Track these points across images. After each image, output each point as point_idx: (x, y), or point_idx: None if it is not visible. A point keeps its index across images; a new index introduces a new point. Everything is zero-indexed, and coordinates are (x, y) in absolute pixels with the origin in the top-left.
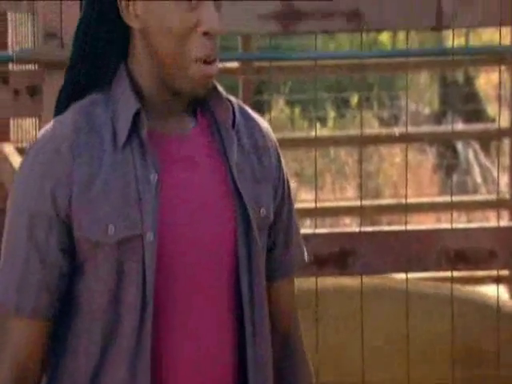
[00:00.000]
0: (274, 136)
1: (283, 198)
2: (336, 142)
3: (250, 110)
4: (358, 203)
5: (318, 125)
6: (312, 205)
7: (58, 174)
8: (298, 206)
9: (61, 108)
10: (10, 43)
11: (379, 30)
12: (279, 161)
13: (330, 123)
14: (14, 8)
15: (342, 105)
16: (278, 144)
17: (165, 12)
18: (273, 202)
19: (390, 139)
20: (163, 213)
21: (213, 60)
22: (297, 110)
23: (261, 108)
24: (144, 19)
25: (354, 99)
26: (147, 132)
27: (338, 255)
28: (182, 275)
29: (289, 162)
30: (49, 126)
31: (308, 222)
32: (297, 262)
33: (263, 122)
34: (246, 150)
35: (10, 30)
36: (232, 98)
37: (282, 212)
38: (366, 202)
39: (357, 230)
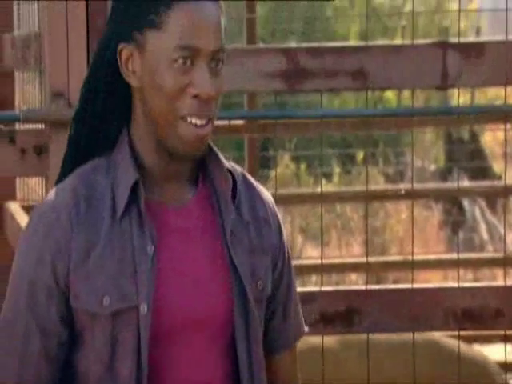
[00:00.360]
0: (276, 209)
1: (283, 270)
2: (342, 197)
3: (253, 181)
4: (364, 260)
5: (324, 181)
6: (318, 261)
7: (58, 242)
8: (303, 262)
9: (65, 171)
10: (16, 102)
11: (384, 89)
12: (281, 233)
13: (336, 179)
14: (22, 67)
15: (347, 161)
16: (280, 217)
17: (158, 71)
18: (271, 275)
19: (396, 195)
20: (158, 285)
21: (206, 122)
22: (302, 166)
23: (266, 164)
24: (140, 76)
25: (360, 155)
26: (145, 201)
27: (345, 313)
28: (177, 346)
29: (295, 218)
30: (52, 192)
31: (314, 278)
32: (296, 333)
33: (267, 194)
34: (245, 220)
35: (16, 89)
36: (236, 168)
37: (281, 284)
38: (372, 259)
39: (363, 287)
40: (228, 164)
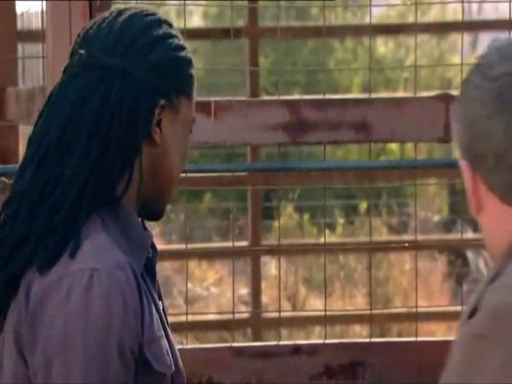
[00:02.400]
0: None
1: None
2: (345, 248)
3: None
4: (367, 311)
5: (327, 231)
6: (321, 313)
7: (135, 304)
8: (307, 313)
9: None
10: (20, 155)
11: (387, 142)
12: None
13: (339, 230)
14: (26, 120)
15: (350, 212)
16: None
17: (182, 137)
18: None
19: (400, 247)
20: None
21: None
22: (306, 217)
23: (270, 215)
24: (164, 136)
25: (363, 206)
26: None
27: (348, 366)
28: None
29: (298, 269)
30: (94, 248)
31: (317, 329)
32: None
33: None
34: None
35: (21, 142)
36: None
37: None
38: (376, 311)
39: (367, 340)
40: None
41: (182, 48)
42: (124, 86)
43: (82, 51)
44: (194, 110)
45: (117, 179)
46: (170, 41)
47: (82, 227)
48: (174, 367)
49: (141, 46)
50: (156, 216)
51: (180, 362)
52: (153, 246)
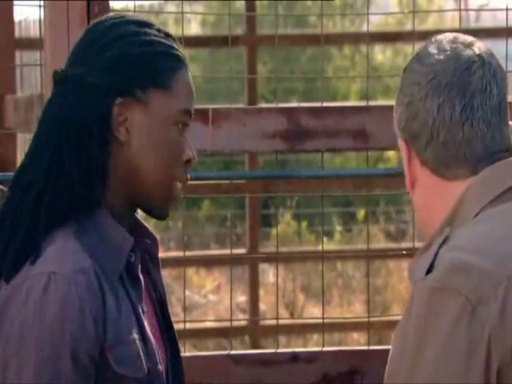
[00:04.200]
0: None
1: None
2: (343, 256)
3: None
4: (365, 319)
5: (325, 239)
6: (319, 320)
7: (96, 308)
8: (305, 321)
9: (39, 230)
10: (19, 163)
11: (385, 149)
12: None
13: (337, 237)
14: (24, 128)
15: (348, 219)
16: None
17: (161, 132)
18: None
19: (398, 254)
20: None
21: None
22: (304, 224)
23: (268, 222)
24: (134, 133)
25: (361, 214)
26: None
27: (347, 374)
28: None
29: (296, 276)
30: (58, 253)
31: (315, 337)
32: None
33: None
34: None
35: (19, 150)
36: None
37: None
38: (374, 318)
39: (365, 347)
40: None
41: (150, 43)
42: (78, 93)
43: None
44: (180, 100)
45: (83, 185)
46: (132, 38)
47: (47, 234)
48: (146, 371)
49: (97, 49)
50: (157, 216)
51: (160, 366)
52: (150, 252)
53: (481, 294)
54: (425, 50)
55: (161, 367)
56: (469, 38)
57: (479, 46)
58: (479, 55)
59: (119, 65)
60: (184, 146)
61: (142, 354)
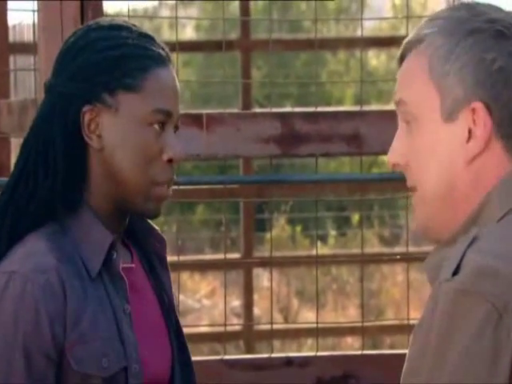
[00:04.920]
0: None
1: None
2: (337, 260)
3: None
4: (359, 323)
5: (319, 243)
6: (313, 325)
7: (54, 307)
8: (299, 326)
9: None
10: (12, 168)
11: (379, 154)
12: None
13: (331, 242)
14: (18, 133)
15: (342, 223)
16: None
17: (133, 134)
18: None
19: (392, 259)
20: (140, 342)
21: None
22: (298, 229)
23: (262, 227)
24: (107, 138)
25: (355, 218)
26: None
27: (341, 378)
28: None
29: (290, 281)
30: (24, 255)
31: (309, 341)
32: None
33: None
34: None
35: (13, 155)
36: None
37: None
38: (369, 323)
39: (359, 352)
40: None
41: (118, 46)
42: (50, 103)
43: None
44: (153, 100)
45: (51, 191)
46: (101, 44)
47: (23, 236)
48: (116, 370)
49: (68, 57)
50: (147, 217)
51: (137, 365)
52: (158, 254)
53: (507, 301)
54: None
55: (137, 366)
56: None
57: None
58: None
59: (85, 72)
60: (164, 146)
61: (111, 353)
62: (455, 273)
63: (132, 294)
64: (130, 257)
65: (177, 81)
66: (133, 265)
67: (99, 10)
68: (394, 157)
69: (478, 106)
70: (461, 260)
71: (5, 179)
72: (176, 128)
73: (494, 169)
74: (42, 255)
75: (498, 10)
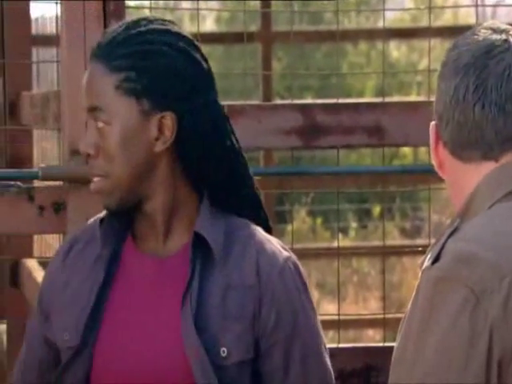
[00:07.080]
0: (279, 280)
1: (273, 344)
2: (358, 252)
3: (260, 244)
4: (381, 316)
5: (340, 235)
6: (335, 317)
7: (51, 279)
8: (320, 318)
9: None
10: (35, 159)
11: (400, 146)
12: (273, 305)
13: (352, 234)
14: (40, 125)
15: (363, 216)
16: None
17: None
18: (252, 343)
19: (413, 251)
20: (104, 329)
21: (97, 177)
22: (319, 221)
23: (283, 219)
24: None
25: (376, 210)
26: (132, 250)
27: (362, 370)
28: None
29: (311, 273)
30: None
31: (331, 333)
32: None
33: (267, 261)
34: (226, 283)
35: (35, 146)
36: (241, 227)
37: (272, 352)
38: (390, 315)
39: (381, 344)
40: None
41: None
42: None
43: None
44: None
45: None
46: None
47: None
48: (78, 341)
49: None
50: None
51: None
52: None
53: (485, 286)
54: (462, 36)
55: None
56: (504, 26)
57: None
58: (506, 40)
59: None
60: None
61: (83, 326)
62: (435, 261)
63: (123, 283)
64: (177, 250)
65: (97, 74)
66: (164, 259)
67: (121, 4)
68: None
69: (431, 124)
70: (441, 249)
71: (28, 170)
72: (95, 120)
73: None
74: (66, 239)
75: None
